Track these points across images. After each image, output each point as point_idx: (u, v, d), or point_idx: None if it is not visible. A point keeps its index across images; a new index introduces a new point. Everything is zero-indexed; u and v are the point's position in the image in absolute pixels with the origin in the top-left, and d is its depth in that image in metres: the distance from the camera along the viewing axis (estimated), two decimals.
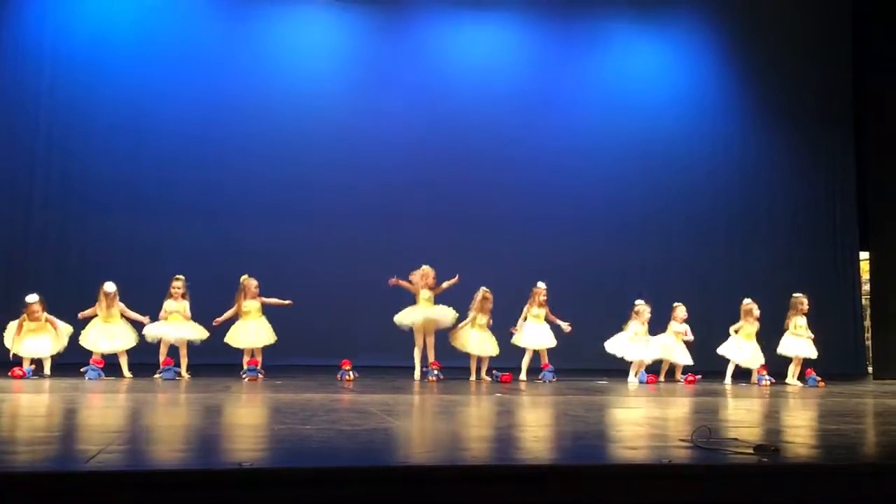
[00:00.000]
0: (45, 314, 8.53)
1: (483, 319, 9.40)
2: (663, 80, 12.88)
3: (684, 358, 9.94)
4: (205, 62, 11.63)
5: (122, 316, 8.69)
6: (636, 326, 9.67)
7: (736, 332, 9.96)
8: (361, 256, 11.38)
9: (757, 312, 9.89)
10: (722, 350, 9.96)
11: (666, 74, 12.94)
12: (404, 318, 9.25)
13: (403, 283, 9.36)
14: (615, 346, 9.74)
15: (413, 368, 9.30)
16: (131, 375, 8.49)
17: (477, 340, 9.37)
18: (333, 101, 11.89)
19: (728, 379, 9.76)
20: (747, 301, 9.97)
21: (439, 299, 9.41)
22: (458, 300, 9.51)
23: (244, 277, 9.10)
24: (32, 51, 11.19)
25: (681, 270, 12.01)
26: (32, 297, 8.50)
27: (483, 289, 9.45)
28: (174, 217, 11.19)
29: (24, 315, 8.48)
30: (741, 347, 9.86)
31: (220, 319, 8.95)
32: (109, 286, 8.61)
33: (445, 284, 9.37)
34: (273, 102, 11.66)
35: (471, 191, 11.93)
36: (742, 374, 9.95)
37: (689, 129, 12.79)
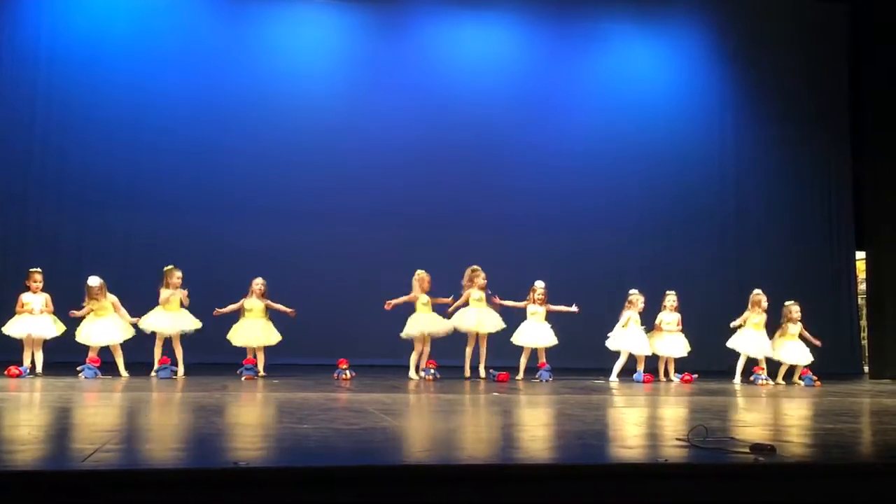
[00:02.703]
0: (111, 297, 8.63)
1: (477, 294, 9.40)
2: (660, 80, 12.88)
3: (680, 350, 9.94)
4: (201, 61, 11.61)
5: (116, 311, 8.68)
6: (630, 315, 9.74)
7: (743, 322, 9.96)
8: (359, 256, 11.39)
9: (765, 304, 9.93)
10: (732, 343, 9.96)
11: (663, 74, 12.94)
12: (410, 330, 9.23)
13: (399, 300, 9.28)
14: (616, 341, 9.77)
15: (408, 368, 9.31)
16: (128, 374, 8.47)
17: (476, 318, 9.36)
18: (331, 101, 11.88)
19: (738, 377, 9.79)
20: (757, 291, 10.00)
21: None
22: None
23: (256, 278, 9.14)
24: (28, 49, 11.16)
25: (677, 270, 12.00)
26: (94, 280, 8.57)
27: (473, 266, 9.52)
28: (171, 216, 11.16)
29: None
30: (750, 338, 9.87)
31: (220, 312, 9.04)
32: (93, 280, 8.60)
33: (440, 300, 9.36)
34: (270, 102, 11.65)
35: (468, 191, 11.93)
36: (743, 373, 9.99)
37: (686, 129, 12.81)
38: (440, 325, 9.26)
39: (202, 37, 11.69)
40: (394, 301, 9.28)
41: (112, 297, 8.68)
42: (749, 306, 9.98)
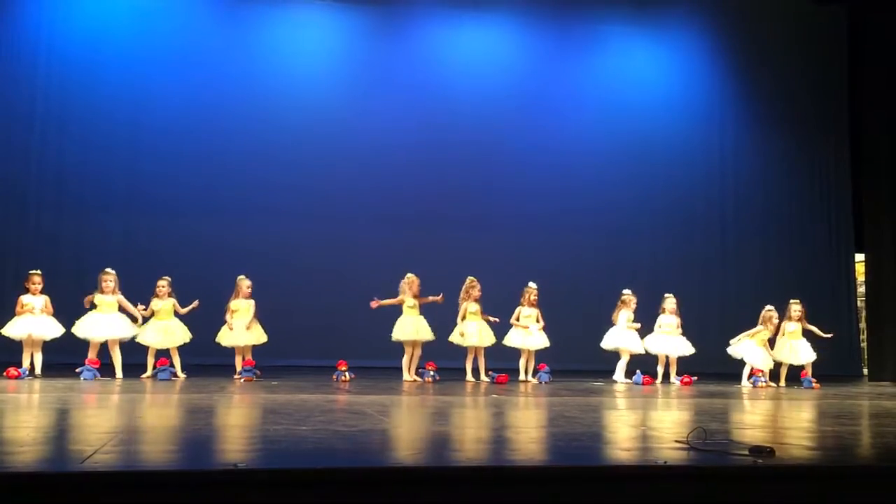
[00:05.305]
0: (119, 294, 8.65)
1: (474, 307, 9.40)
2: (659, 83, 12.90)
3: (682, 350, 9.91)
4: (201, 62, 11.63)
5: (120, 308, 8.68)
6: (627, 314, 9.72)
7: (752, 336, 9.91)
8: (358, 257, 11.39)
9: (776, 321, 9.92)
10: (738, 352, 9.93)
11: (662, 77, 12.96)
12: (398, 334, 9.20)
13: (385, 301, 9.28)
14: (609, 340, 9.76)
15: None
16: (121, 377, 8.45)
17: (475, 332, 9.35)
18: (330, 102, 11.89)
19: (744, 381, 9.78)
20: (769, 307, 9.98)
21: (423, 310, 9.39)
22: (449, 304, 9.52)
23: (240, 277, 9.11)
24: (28, 49, 11.18)
25: (675, 273, 12.01)
26: (111, 271, 8.66)
27: (469, 277, 9.49)
28: (169, 216, 11.18)
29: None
30: (755, 350, 9.85)
31: (230, 326, 9.01)
32: (110, 270, 8.66)
33: (431, 298, 9.33)
34: (270, 102, 11.66)
35: (466, 192, 11.94)
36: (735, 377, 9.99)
37: (685, 131, 12.82)
38: (425, 333, 9.24)
39: (201, 38, 11.71)
40: (381, 301, 9.25)
41: (120, 296, 8.68)
42: (760, 321, 9.94)
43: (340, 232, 11.56)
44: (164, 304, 8.85)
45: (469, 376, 9.39)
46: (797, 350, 9.98)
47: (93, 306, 8.60)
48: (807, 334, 10.11)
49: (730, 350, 9.97)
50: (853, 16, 13.10)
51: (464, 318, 9.42)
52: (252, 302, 9.10)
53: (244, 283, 9.10)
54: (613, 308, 9.97)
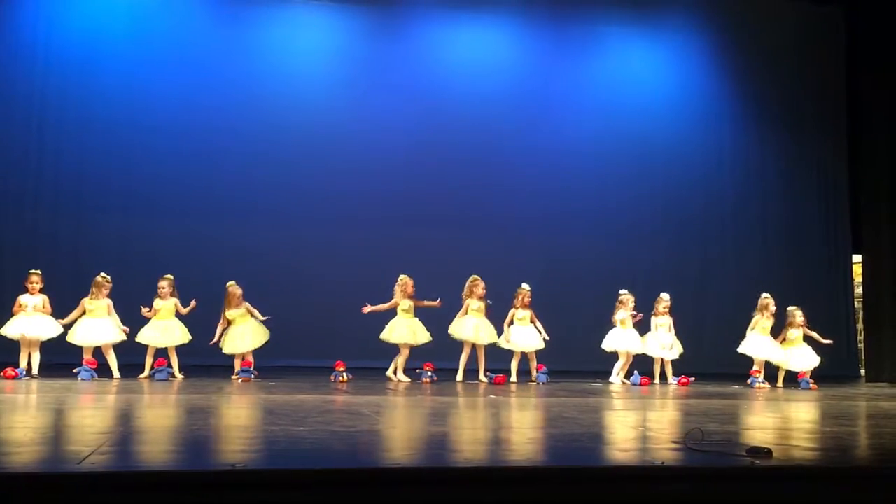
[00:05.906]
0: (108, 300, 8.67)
1: (476, 305, 9.40)
2: (658, 84, 12.90)
3: (675, 354, 9.92)
4: (199, 62, 11.61)
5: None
6: (623, 314, 9.74)
7: (752, 328, 9.95)
8: (356, 258, 11.37)
9: (773, 308, 9.92)
10: (745, 349, 9.94)
11: (661, 78, 12.96)
12: (390, 336, 9.23)
13: (378, 307, 9.30)
14: (609, 342, 9.78)
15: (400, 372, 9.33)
16: (120, 376, 8.46)
17: (473, 328, 9.36)
18: (327, 102, 11.88)
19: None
20: (765, 295, 10.00)
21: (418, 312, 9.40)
22: (447, 306, 9.52)
23: (230, 284, 9.08)
24: (25, 49, 11.15)
25: (674, 274, 12.00)
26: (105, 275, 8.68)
27: (473, 276, 9.49)
28: (167, 217, 11.15)
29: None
30: (760, 343, 9.87)
31: (215, 340, 8.97)
32: (104, 275, 8.67)
33: (426, 303, 9.36)
34: (267, 103, 11.64)
35: (465, 193, 11.92)
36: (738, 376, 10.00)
37: (683, 133, 12.82)
38: (422, 336, 9.24)
39: (199, 39, 11.69)
40: (373, 307, 9.25)
41: (108, 300, 8.69)
42: (758, 310, 9.97)
43: (338, 232, 11.55)
44: (165, 304, 8.87)
45: (460, 376, 9.34)
46: (801, 356, 9.98)
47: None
48: (807, 340, 10.12)
49: (740, 350, 9.97)
50: (851, 16, 13.10)
51: (465, 314, 9.42)
52: (247, 306, 9.09)
53: (237, 292, 9.04)
54: (612, 309, 9.98)
